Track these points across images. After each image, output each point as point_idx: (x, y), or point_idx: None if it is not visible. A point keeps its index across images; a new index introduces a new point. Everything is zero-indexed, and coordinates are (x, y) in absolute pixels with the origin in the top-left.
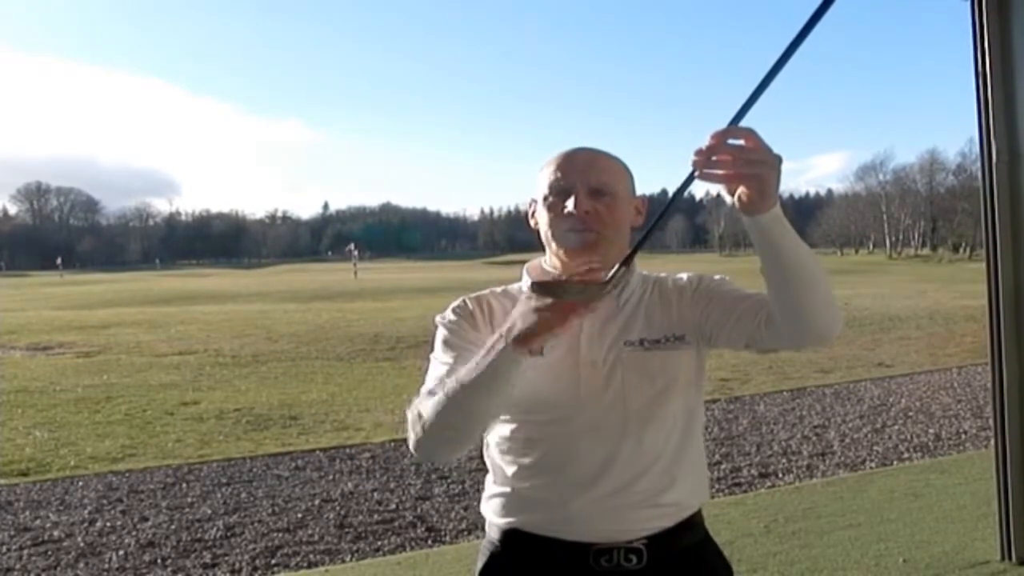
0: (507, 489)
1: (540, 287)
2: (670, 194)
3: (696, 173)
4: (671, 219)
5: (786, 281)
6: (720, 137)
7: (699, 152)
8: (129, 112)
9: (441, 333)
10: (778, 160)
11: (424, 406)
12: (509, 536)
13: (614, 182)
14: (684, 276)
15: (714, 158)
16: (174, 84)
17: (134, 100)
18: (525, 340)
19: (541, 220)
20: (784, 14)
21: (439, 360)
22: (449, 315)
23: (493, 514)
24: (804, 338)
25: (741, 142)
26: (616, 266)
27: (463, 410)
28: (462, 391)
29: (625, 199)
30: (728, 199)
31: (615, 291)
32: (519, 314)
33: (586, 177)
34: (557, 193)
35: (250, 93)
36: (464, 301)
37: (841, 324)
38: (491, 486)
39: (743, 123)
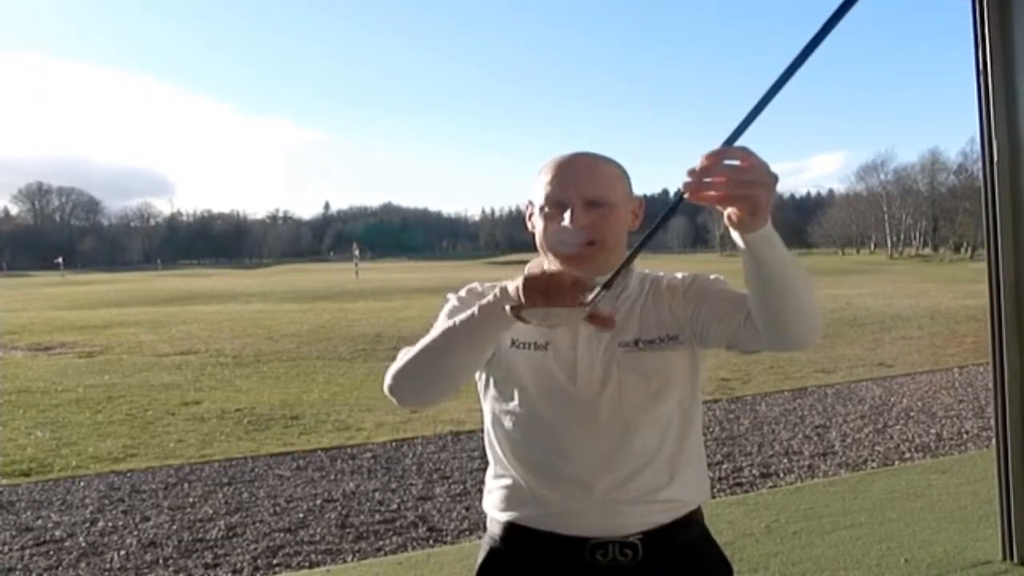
0: (506, 483)
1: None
2: (671, 195)
3: (685, 195)
4: (672, 219)
5: (767, 293)
6: (715, 158)
7: (691, 173)
8: (128, 113)
9: (448, 304)
10: (774, 180)
11: (410, 349)
12: (508, 530)
13: (610, 191)
14: (679, 275)
15: (707, 180)
16: (171, 84)
17: (133, 101)
18: (518, 307)
19: (538, 228)
20: (780, 7)
21: (438, 325)
22: (461, 292)
23: (492, 508)
24: (781, 344)
25: (736, 162)
26: (597, 289)
27: (442, 354)
28: (446, 334)
29: (622, 205)
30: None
31: (614, 291)
32: (525, 276)
33: (582, 189)
34: (553, 205)
35: (250, 93)
36: (476, 284)
37: (820, 333)
38: (491, 480)
39: (740, 142)
